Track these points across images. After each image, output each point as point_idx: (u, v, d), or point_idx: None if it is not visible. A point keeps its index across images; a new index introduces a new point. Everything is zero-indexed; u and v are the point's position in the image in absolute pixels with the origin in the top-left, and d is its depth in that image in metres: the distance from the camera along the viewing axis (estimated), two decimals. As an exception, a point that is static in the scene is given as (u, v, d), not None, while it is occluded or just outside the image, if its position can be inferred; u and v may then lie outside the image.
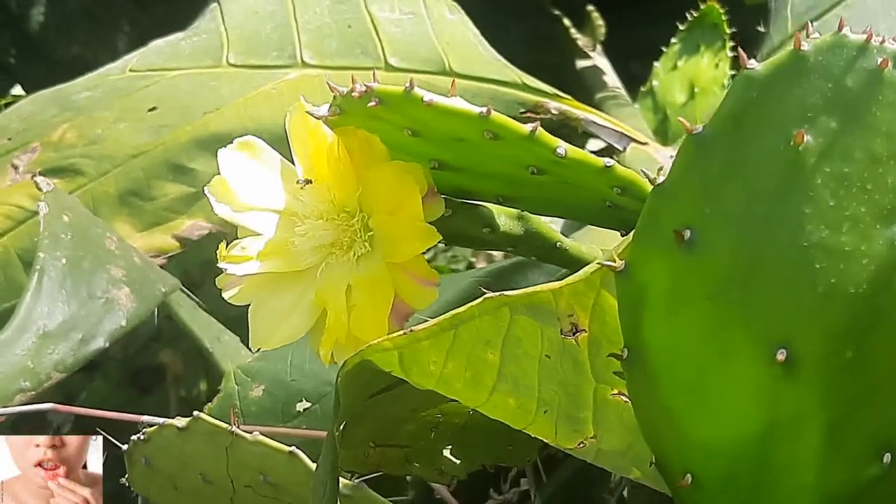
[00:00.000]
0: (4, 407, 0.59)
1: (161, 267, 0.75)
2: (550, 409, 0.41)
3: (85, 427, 0.58)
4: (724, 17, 0.99)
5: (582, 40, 1.15)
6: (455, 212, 0.44)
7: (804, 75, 0.34)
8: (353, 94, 0.39)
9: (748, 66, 0.34)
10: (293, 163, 0.45)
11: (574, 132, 0.82)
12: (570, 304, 0.39)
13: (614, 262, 0.36)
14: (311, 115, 0.41)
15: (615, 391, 0.41)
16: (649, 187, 0.36)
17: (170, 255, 0.76)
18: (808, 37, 0.34)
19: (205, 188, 0.44)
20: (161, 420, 0.51)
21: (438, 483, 0.57)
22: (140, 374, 1.04)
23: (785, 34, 0.76)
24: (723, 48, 0.98)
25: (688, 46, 1.01)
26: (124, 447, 0.52)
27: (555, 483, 0.57)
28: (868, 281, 0.34)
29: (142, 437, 0.51)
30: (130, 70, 0.85)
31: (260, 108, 0.79)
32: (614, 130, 0.80)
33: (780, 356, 0.34)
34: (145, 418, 0.54)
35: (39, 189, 0.69)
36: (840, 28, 0.34)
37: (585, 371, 0.40)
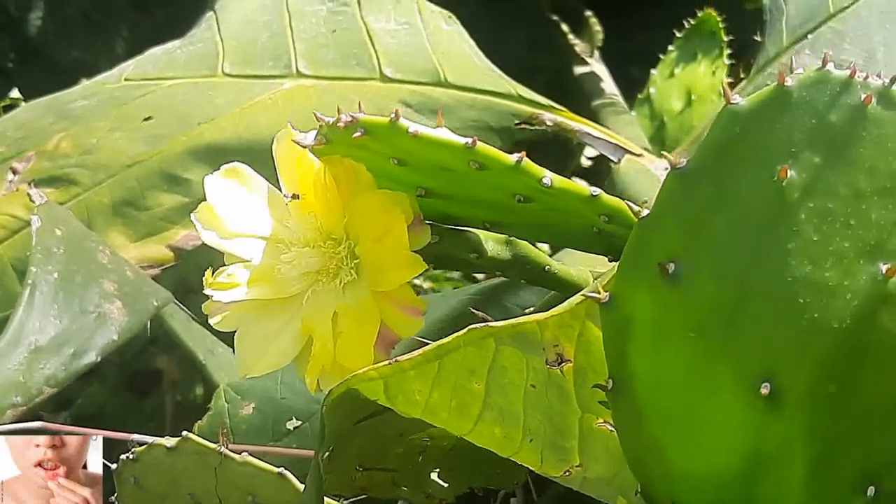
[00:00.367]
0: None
1: (155, 276, 0.75)
2: (536, 437, 0.41)
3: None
4: (721, 25, 0.98)
5: (580, 46, 1.15)
6: (442, 238, 0.44)
7: (788, 110, 0.34)
8: (338, 123, 0.39)
9: (732, 101, 0.34)
10: (279, 187, 0.45)
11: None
12: (556, 334, 0.39)
13: (599, 293, 0.36)
14: (298, 143, 0.41)
15: (601, 420, 0.41)
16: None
17: (164, 266, 0.76)
18: (792, 71, 0.34)
19: (192, 215, 0.44)
20: (150, 438, 0.51)
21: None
22: (136, 379, 1.04)
23: (780, 46, 0.76)
24: (720, 56, 0.98)
25: (685, 54, 1.01)
26: (113, 466, 0.52)
27: (545, 503, 0.57)
28: (851, 316, 0.34)
29: (131, 456, 0.51)
30: (126, 79, 0.85)
31: (255, 117, 0.79)
32: (609, 142, 0.80)
33: (764, 389, 0.34)
34: (135, 437, 0.54)
35: (32, 201, 0.69)
36: (824, 63, 0.34)
37: (571, 400, 0.40)
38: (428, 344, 0.40)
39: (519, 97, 0.80)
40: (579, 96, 1.06)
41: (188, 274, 0.82)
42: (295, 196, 0.44)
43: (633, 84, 1.07)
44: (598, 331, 0.39)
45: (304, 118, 0.78)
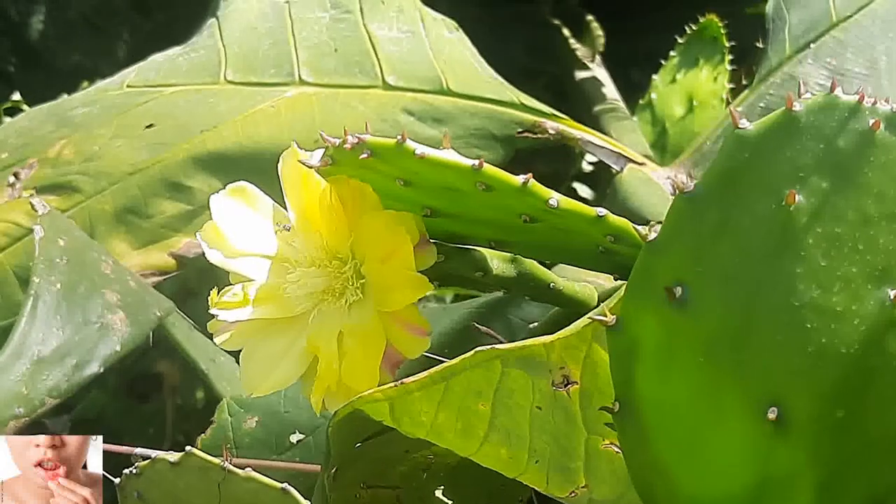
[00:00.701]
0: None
1: (157, 284, 0.75)
2: (542, 459, 0.41)
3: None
4: (723, 31, 0.98)
5: (581, 50, 1.15)
6: (448, 256, 0.44)
7: (796, 136, 0.34)
8: (345, 145, 0.39)
9: (740, 125, 0.34)
10: (283, 200, 0.45)
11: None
12: (562, 356, 0.39)
13: (606, 316, 0.36)
14: (304, 164, 0.41)
15: (607, 442, 0.41)
16: (642, 236, 0.36)
17: (166, 276, 0.75)
18: (799, 96, 0.34)
19: (197, 234, 0.44)
20: (154, 452, 0.51)
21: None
22: (137, 383, 1.04)
23: (783, 55, 0.76)
24: (722, 62, 0.98)
25: (686, 60, 1.00)
26: (116, 481, 0.52)
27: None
28: (859, 341, 0.34)
29: (134, 470, 0.51)
30: (128, 86, 0.84)
31: (258, 126, 0.79)
32: (611, 151, 0.80)
33: (771, 414, 0.34)
34: (138, 451, 0.54)
35: (35, 210, 0.69)
36: (832, 88, 0.34)
37: (577, 422, 0.41)
38: (431, 358, 0.40)
39: (521, 105, 0.80)
40: (580, 101, 1.06)
41: (189, 278, 0.82)
42: (286, 228, 0.44)
43: (634, 88, 1.07)
44: (604, 353, 0.39)
45: (306, 126, 0.79)
